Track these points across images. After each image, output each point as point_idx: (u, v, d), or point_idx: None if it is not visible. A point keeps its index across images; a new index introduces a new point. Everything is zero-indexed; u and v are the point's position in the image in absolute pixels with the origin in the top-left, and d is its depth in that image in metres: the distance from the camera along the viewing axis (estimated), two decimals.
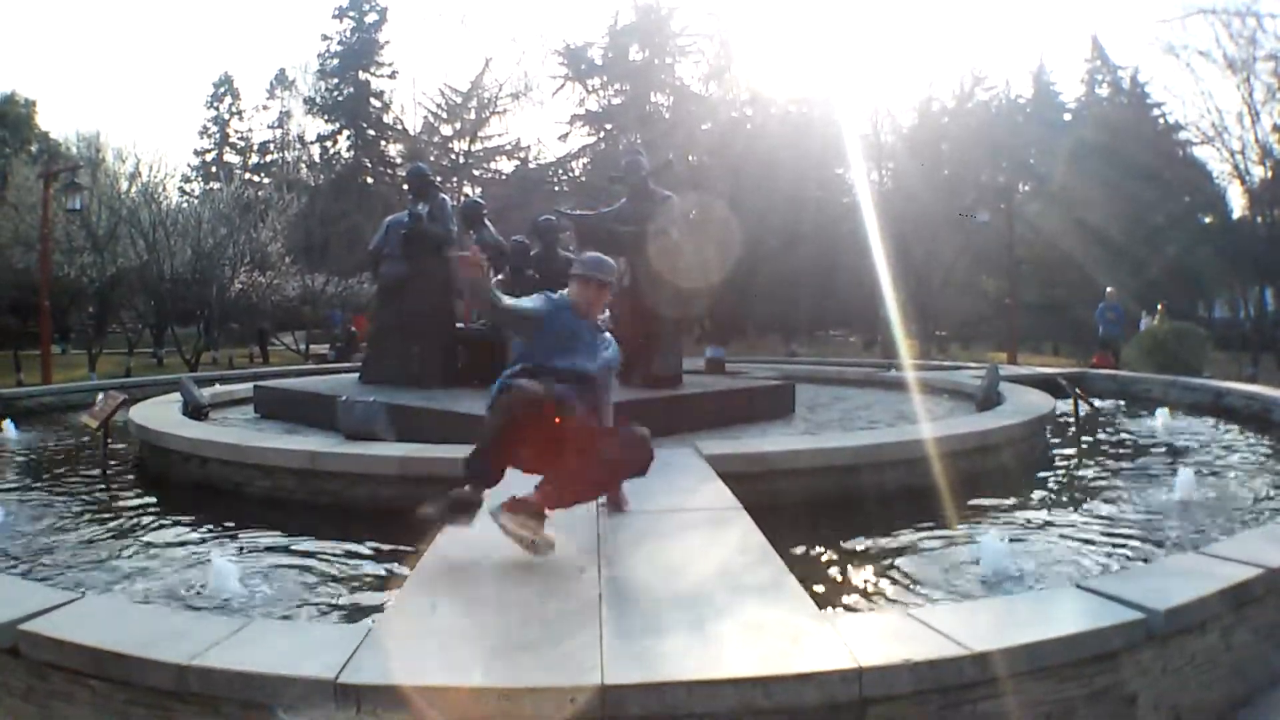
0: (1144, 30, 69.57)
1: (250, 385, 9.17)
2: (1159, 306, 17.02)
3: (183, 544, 4.34)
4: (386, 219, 8.88)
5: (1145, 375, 11.40)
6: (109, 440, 6.60)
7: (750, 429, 6.85)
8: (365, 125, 41.31)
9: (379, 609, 3.23)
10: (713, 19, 33.81)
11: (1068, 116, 35.17)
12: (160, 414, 7.04)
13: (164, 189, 25.47)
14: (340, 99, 41.19)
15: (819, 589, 3.53)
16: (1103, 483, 5.59)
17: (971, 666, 2.21)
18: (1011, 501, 5.04)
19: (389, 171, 40.77)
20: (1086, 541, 4.16)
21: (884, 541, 4.19)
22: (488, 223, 9.77)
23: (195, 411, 7.68)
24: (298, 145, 44.02)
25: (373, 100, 41.61)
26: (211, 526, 4.65)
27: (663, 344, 7.64)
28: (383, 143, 42.10)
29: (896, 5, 45.69)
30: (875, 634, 2.40)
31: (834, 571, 3.83)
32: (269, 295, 26.77)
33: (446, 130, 39.48)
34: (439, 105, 39.24)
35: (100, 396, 6.87)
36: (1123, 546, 4.07)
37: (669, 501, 4.04)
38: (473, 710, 2.07)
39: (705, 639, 2.38)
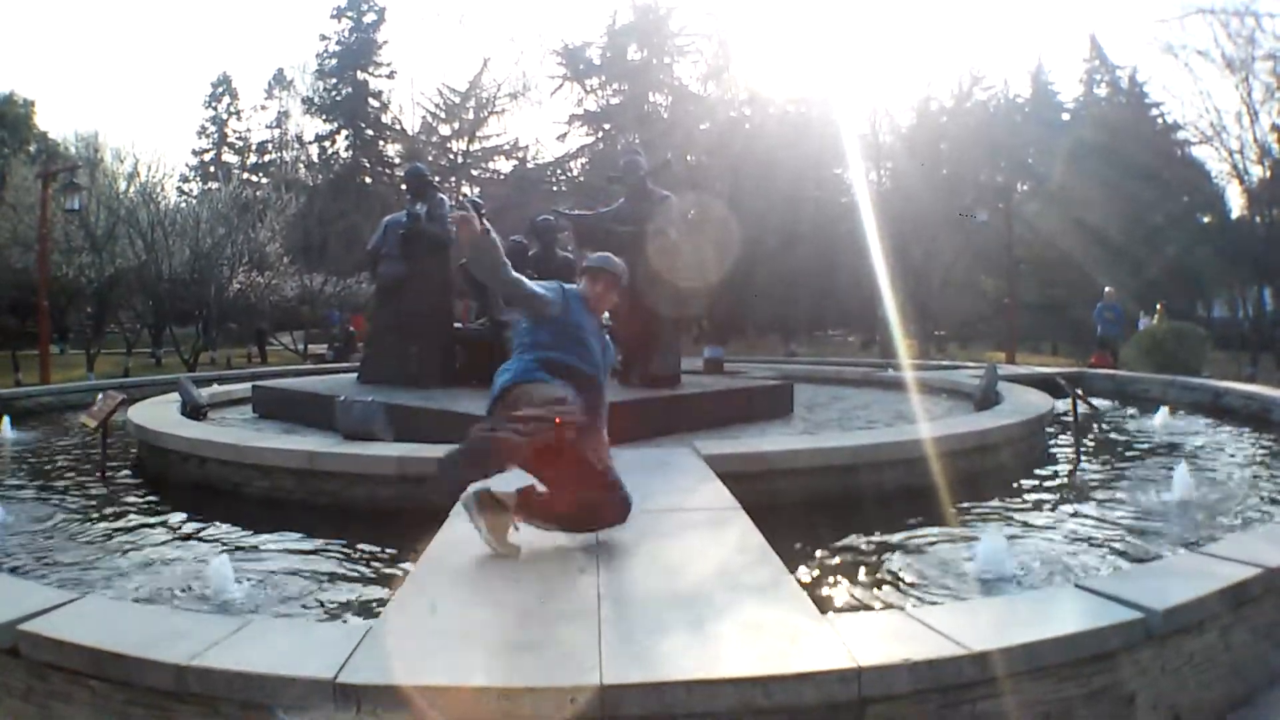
0: (1142, 30, 69.67)
1: (248, 385, 9.19)
2: (1158, 306, 17.05)
3: (182, 544, 4.34)
4: (385, 219, 8.87)
5: (1144, 375, 11.41)
6: (108, 440, 6.59)
7: (749, 429, 6.86)
8: (363, 125, 41.23)
9: (378, 609, 3.23)
10: (711, 19, 33.92)
11: (1066, 116, 35.23)
12: (159, 414, 7.05)
13: (162, 189, 25.54)
14: (338, 99, 41.11)
15: (818, 589, 3.54)
16: (1101, 482, 5.60)
17: (970, 666, 2.21)
18: (1010, 501, 5.04)
19: (387, 171, 40.67)
20: (1085, 541, 4.16)
21: (883, 541, 4.20)
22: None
23: (194, 411, 7.68)
24: (296, 145, 43.97)
25: (371, 100, 41.53)
26: (211, 527, 4.64)
27: (661, 344, 7.65)
28: (381, 143, 42.01)
29: (895, 5, 45.68)
30: (874, 633, 2.41)
31: (833, 571, 3.83)
32: (267, 295, 26.78)
33: (445, 130, 39.42)
34: (437, 105, 39.21)
35: (99, 396, 6.86)
36: (1121, 546, 4.07)
37: (668, 501, 4.04)
38: (472, 710, 2.07)
39: (704, 639, 2.39)
